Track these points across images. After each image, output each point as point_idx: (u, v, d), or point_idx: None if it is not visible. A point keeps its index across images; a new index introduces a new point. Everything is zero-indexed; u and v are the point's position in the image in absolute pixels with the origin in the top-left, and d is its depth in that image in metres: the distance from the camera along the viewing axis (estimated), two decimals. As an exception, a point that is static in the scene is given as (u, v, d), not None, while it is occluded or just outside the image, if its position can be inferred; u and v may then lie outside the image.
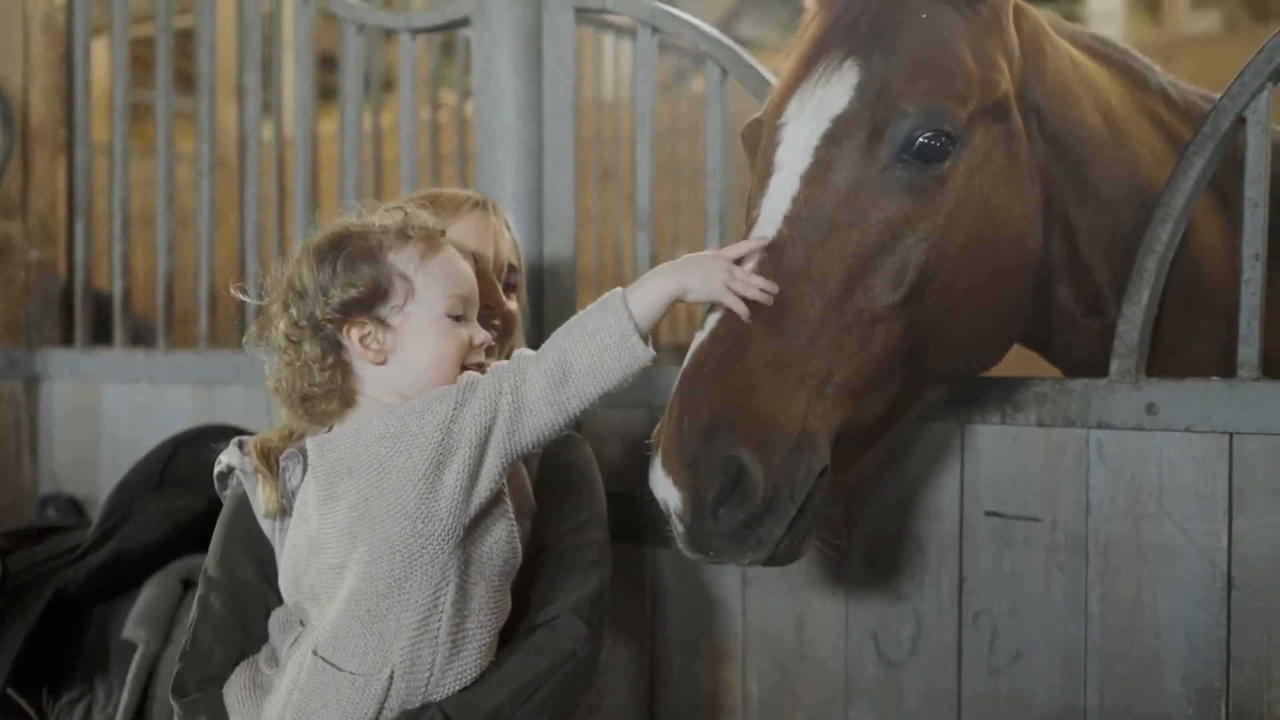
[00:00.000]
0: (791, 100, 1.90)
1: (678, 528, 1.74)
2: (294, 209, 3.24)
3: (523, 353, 1.76)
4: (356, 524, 1.71)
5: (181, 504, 2.82)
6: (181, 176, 3.70)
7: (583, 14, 2.65)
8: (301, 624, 1.84)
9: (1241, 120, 1.92)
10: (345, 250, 1.76)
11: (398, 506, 1.69)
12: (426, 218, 1.85)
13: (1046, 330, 2.13)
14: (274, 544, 1.93)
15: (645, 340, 1.72)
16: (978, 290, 1.88)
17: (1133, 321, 1.98)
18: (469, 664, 1.76)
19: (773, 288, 1.76)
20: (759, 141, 1.95)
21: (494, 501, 1.76)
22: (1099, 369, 2.02)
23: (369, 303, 1.75)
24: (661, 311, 1.75)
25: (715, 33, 2.45)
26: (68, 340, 3.81)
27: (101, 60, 4.42)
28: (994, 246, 1.89)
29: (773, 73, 2.29)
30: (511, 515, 1.81)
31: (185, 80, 4.14)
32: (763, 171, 1.89)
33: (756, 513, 1.69)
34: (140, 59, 3.79)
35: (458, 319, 1.80)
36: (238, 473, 1.95)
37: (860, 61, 1.85)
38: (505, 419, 1.71)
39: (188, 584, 2.73)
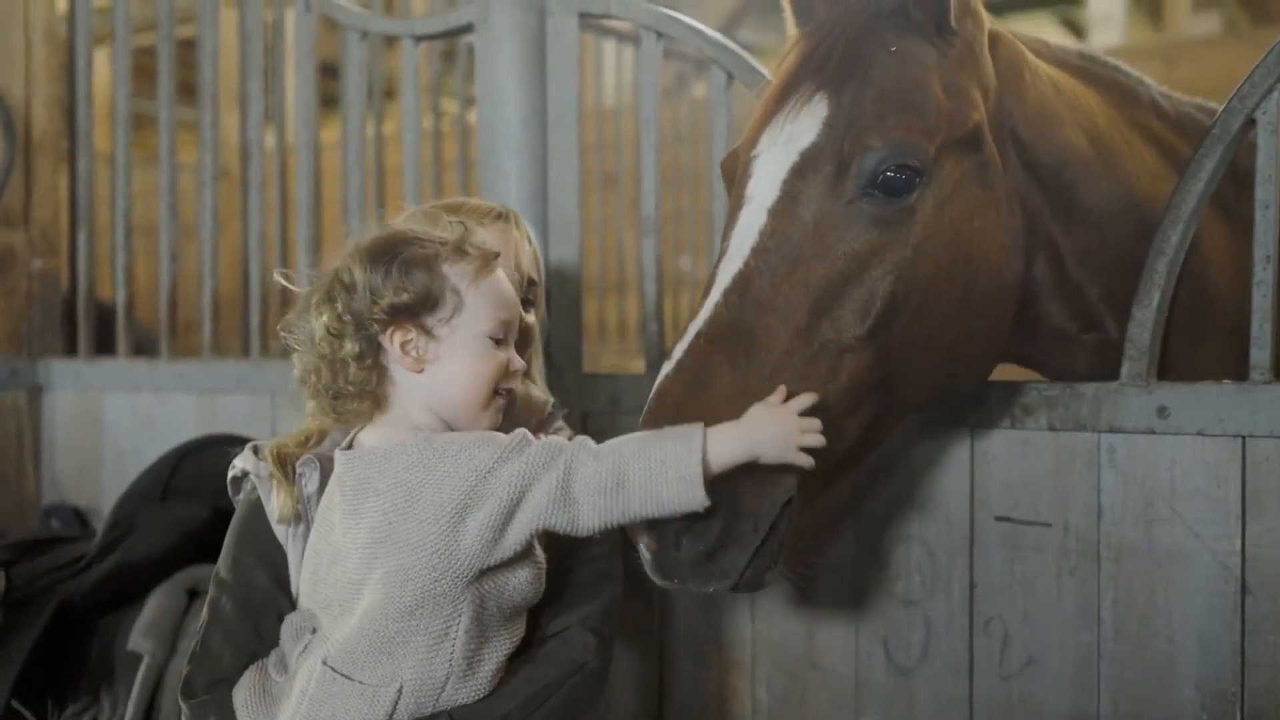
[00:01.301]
0: (765, 133, 1.91)
1: (645, 555, 1.77)
2: (297, 217, 3.24)
3: (584, 441, 1.72)
4: (378, 545, 1.70)
5: (186, 514, 2.81)
6: (182, 186, 3.69)
7: (586, 19, 2.65)
8: (313, 631, 1.83)
9: (1252, 121, 1.91)
10: (401, 255, 1.75)
11: (419, 537, 1.67)
12: (485, 236, 1.84)
13: (1042, 350, 2.13)
14: (287, 550, 1.92)
15: (706, 489, 1.66)
16: (950, 320, 1.87)
17: (1143, 324, 1.97)
18: (482, 682, 1.75)
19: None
20: (735, 173, 1.96)
21: (524, 549, 1.74)
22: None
23: (417, 310, 1.74)
24: (726, 468, 1.69)
25: (720, 37, 2.44)
26: (70, 350, 3.80)
27: (102, 70, 4.42)
28: (967, 276, 1.88)
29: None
30: (540, 559, 1.79)
31: (185, 90, 4.14)
32: (734, 204, 1.91)
33: (716, 545, 1.71)
34: (141, 69, 3.78)
35: (498, 342, 1.79)
36: (252, 477, 1.94)
37: (830, 95, 1.86)
38: (546, 496, 1.68)
39: (193, 594, 2.72)
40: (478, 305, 1.77)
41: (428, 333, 1.75)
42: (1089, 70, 2.19)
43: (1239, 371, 1.92)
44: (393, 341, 1.75)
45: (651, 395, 1.79)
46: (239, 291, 3.74)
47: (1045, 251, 2.03)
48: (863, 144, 1.81)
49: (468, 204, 2.12)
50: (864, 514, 2.22)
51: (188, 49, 4.03)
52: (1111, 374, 2.01)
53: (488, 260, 1.80)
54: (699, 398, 1.75)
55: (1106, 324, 2.09)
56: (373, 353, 1.75)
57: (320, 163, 3.34)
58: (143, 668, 2.59)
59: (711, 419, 1.71)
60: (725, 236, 1.90)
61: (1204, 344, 2.12)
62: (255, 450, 1.95)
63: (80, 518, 3.56)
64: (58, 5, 4.03)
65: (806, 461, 1.72)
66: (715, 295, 1.82)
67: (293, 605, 1.92)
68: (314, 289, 1.80)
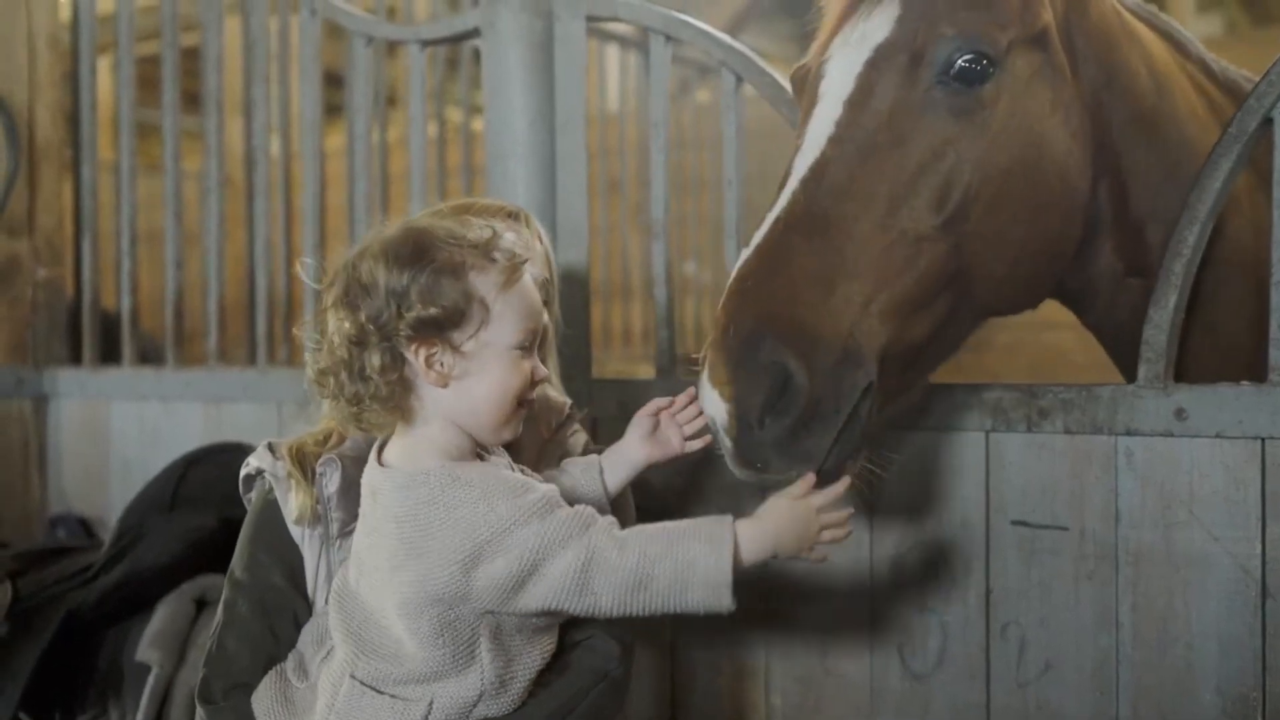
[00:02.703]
0: (836, 37, 1.94)
1: (725, 443, 1.76)
2: (302, 224, 3.22)
3: (609, 527, 1.67)
4: (394, 571, 1.66)
5: (194, 524, 2.79)
6: (185, 194, 3.68)
7: (594, 22, 2.63)
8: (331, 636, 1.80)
9: (1268, 121, 1.90)
10: (430, 262, 1.66)
11: (430, 574, 1.63)
12: (513, 240, 1.77)
13: (1089, 287, 2.14)
14: (303, 550, 1.89)
15: (733, 591, 1.64)
16: (1021, 218, 1.89)
17: (1160, 326, 1.96)
18: (515, 696, 1.72)
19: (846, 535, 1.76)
20: (805, 82, 1.99)
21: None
22: (1139, 337, 1.98)
23: (445, 325, 1.66)
24: (748, 569, 1.68)
25: (730, 40, 2.43)
26: (75, 359, 3.78)
27: (105, 78, 4.41)
28: (1038, 176, 1.90)
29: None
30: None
31: (188, 99, 4.13)
32: (808, 104, 1.93)
33: (802, 420, 1.71)
34: (143, 77, 3.77)
35: (524, 350, 1.73)
36: (268, 475, 1.90)
37: None
38: (563, 580, 1.63)
39: (201, 604, 2.70)
40: (505, 317, 1.70)
41: (454, 348, 1.68)
42: (1146, 18, 2.21)
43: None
44: (418, 356, 1.67)
45: (731, 278, 1.80)
46: (244, 299, 3.73)
47: (1110, 177, 2.05)
48: (936, 32, 1.85)
49: (478, 203, 2.09)
50: (878, 518, 2.20)
51: (190, 57, 4.02)
52: (1141, 329, 1.99)
53: (516, 267, 1.72)
54: (779, 279, 1.75)
55: (1155, 271, 2.06)
56: (398, 366, 1.67)
57: (324, 169, 3.33)
58: (151, 678, 2.57)
59: (791, 300, 1.72)
60: (799, 134, 1.91)
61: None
62: (271, 448, 1.91)
63: (86, 528, 3.55)
64: (61, 13, 4.02)
65: (820, 557, 1.73)
66: (792, 184, 1.84)
67: (309, 606, 1.89)
68: (330, 282, 1.72)
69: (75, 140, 3.92)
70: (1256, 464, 1.85)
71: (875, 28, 1.89)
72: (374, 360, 1.66)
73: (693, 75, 5.76)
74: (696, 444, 1.91)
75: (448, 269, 1.67)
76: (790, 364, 1.70)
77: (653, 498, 2.23)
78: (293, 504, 1.86)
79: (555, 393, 2.08)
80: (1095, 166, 2.01)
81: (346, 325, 1.67)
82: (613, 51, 5.77)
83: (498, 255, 1.71)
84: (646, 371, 4.77)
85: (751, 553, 1.67)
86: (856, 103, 1.86)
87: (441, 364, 1.68)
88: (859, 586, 2.22)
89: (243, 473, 1.95)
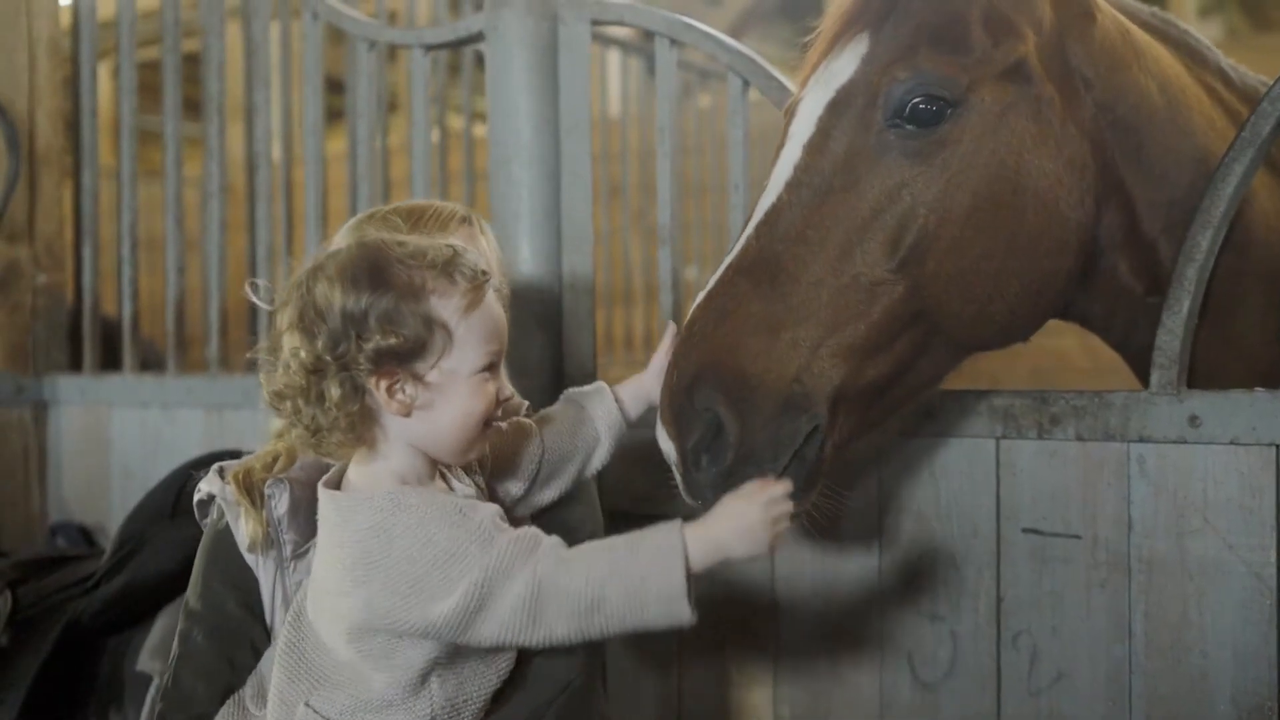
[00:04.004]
0: (812, 76, 1.94)
1: (676, 476, 1.83)
2: (305, 229, 3.20)
3: (554, 547, 1.61)
4: (341, 598, 1.61)
5: (196, 533, 2.76)
6: (185, 200, 3.66)
7: (599, 26, 2.61)
8: None
9: (1282, 124, 1.88)
10: (388, 285, 1.59)
11: (372, 601, 1.58)
12: (475, 258, 1.69)
13: (1108, 310, 2.10)
14: (258, 575, 1.85)
15: (691, 602, 1.59)
16: (993, 255, 1.86)
17: (1173, 331, 1.94)
18: (470, 718, 1.67)
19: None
20: (787, 123, 1.99)
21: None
22: None
23: (406, 356, 1.59)
24: (699, 573, 1.61)
25: (736, 44, 2.42)
26: (76, 365, 3.77)
27: (106, 84, 4.40)
28: (1014, 211, 1.86)
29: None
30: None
31: (188, 106, 4.11)
32: (779, 146, 1.94)
33: (738, 463, 1.74)
34: (143, 83, 3.75)
35: (489, 368, 1.67)
36: (219, 501, 1.86)
37: (871, 33, 1.89)
38: (513, 614, 1.57)
39: (203, 613, 2.68)
40: (468, 342, 1.63)
41: (417, 378, 1.61)
42: (1159, 28, 2.18)
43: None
44: (379, 388, 1.60)
45: (684, 324, 1.83)
46: (245, 305, 3.70)
47: (1117, 198, 2.01)
48: (890, 75, 1.83)
49: (430, 208, 1.98)
50: (888, 526, 2.18)
51: (189, 64, 4.00)
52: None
53: (480, 287, 1.65)
54: (724, 325, 1.78)
55: None
56: (358, 397, 1.60)
57: (327, 175, 3.31)
58: (152, 689, 2.54)
59: (732, 347, 1.76)
60: (767, 178, 1.93)
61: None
62: (220, 472, 1.86)
63: (87, 536, 3.53)
64: (62, 19, 4.01)
65: (772, 549, 1.66)
66: (749, 229, 1.85)
67: (267, 633, 1.84)
68: (284, 303, 1.63)
69: (76, 146, 3.91)
70: (1271, 471, 1.83)
71: (842, 67, 1.88)
72: (333, 391, 1.58)
73: (694, 80, 5.74)
74: None
75: (408, 293, 1.60)
76: (721, 411, 1.74)
77: (642, 499, 2.22)
78: (243, 532, 1.81)
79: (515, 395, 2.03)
80: (1099, 191, 1.97)
81: (303, 353, 1.59)
82: (614, 56, 5.75)
83: (459, 277, 1.64)
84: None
85: (701, 558, 1.61)
86: (815, 146, 1.85)
87: (404, 393, 1.61)
88: (868, 594, 2.20)
89: (195, 498, 1.90)
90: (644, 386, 1.98)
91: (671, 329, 1.98)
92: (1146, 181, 2.02)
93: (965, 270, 1.84)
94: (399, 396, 1.61)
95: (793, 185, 1.84)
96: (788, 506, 1.67)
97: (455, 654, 1.64)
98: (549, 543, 1.62)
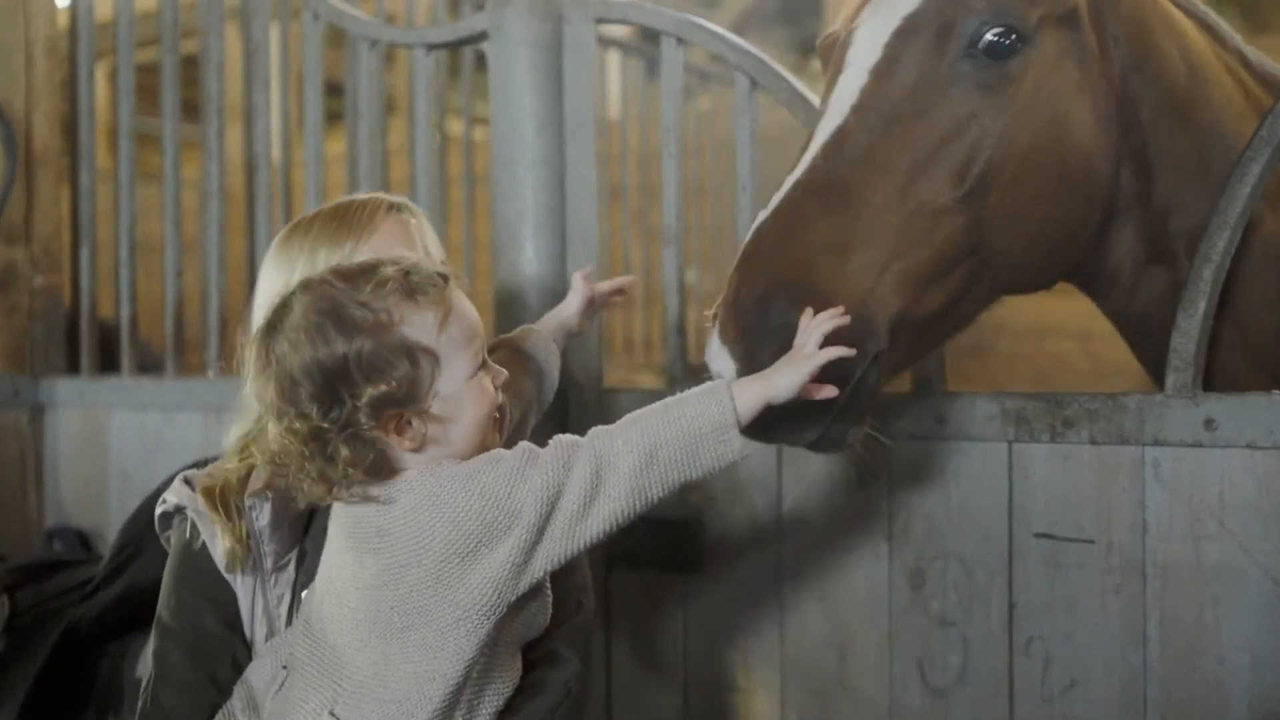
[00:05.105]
0: (866, 6, 1.94)
1: None
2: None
3: (595, 432, 1.61)
4: (384, 589, 1.58)
5: (196, 536, 2.74)
6: (184, 202, 3.63)
7: (604, 25, 2.59)
8: (285, 667, 1.70)
9: (1300, 124, 1.86)
10: (356, 332, 1.55)
11: (436, 577, 1.55)
12: (431, 265, 1.65)
13: (1109, 273, 2.11)
14: (235, 588, 1.78)
15: (741, 435, 1.61)
16: (1041, 196, 1.89)
17: (1189, 334, 1.91)
18: None
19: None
20: (832, 51, 1.98)
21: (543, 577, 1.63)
22: (1162, 326, 1.95)
23: (405, 400, 1.57)
24: (754, 415, 1.64)
25: (743, 43, 2.39)
26: (73, 368, 3.73)
27: (103, 85, 4.37)
28: (1060, 155, 1.89)
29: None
30: (548, 589, 1.70)
31: (187, 107, 4.08)
32: (833, 72, 1.93)
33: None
34: (141, 85, 3.73)
35: (480, 365, 1.65)
36: (190, 514, 1.79)
37: None
38: (577, 498, 1.56)
39: (203, 619, 2.65)
40: (452, 355, 1.60)
41: (421, 414, 1.59)
42: (1185, 5, 2.20)
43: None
44: (388, 432, 1.58)
45: (747, 240, 1.80)
46: (243, 307, 3.67)
47: (1134, 161, 2.02)
48: (966, 6, 1.84)
49: (353, 204, 1.91)
50: (898, 530, 2.16)
51: (187, 67, 3.98)
52: (1165, 319, 1.96)
53: (444, 294, 1.62)
54: (795, 244, 1.76)
55: (1178, 260, 2.06)
56: (370, 448, 1.57)
57: (326, 177, 3.28)
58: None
59: (805, 265, 1.73)
60: (823, 101, 1.92)
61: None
62: (188, 482, 1.80)
63: (84, 540, 3.49)
64: (59, 20, 3.98)
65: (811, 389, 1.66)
66: (813, 150, 1.84)
67: (247, 647, 1.79)
68: (262, 387, 1.60)
69: (73, 147, 3.88)
70: (1289, 475, 1.81)
71: None
72: (343, 453, 1.56)
73: (694, 81, 5.72)
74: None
75: (378, 331, 1.56)
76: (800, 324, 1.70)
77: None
78: (220, 550, 1.76)
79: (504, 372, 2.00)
80: (1120, 151, 2.00)
81: (299, 426, 1.56)
82: (614, 57, 5.73)
83: (420, 296, 1.60)
84: (649, 380, 4.74)
85: (748, 399, 1.62)
86: (882, 72, 1.85)
87: (413, 427, 1.59)
88: (877, 600, 2.18)
89: (158, 510, 1.83)
90: (565, 319, 2.10)
91: (582, 271, 2.19)
92: (1165, 148, 2.03)
93: (1020, 208, 1.86)
94: (409, 434, 1.59)
95: (859, 109, 1.83)
96: (825, 355, 1.65)
97: (492, 647, 1.61)
98: (590, 433, 1.62)
